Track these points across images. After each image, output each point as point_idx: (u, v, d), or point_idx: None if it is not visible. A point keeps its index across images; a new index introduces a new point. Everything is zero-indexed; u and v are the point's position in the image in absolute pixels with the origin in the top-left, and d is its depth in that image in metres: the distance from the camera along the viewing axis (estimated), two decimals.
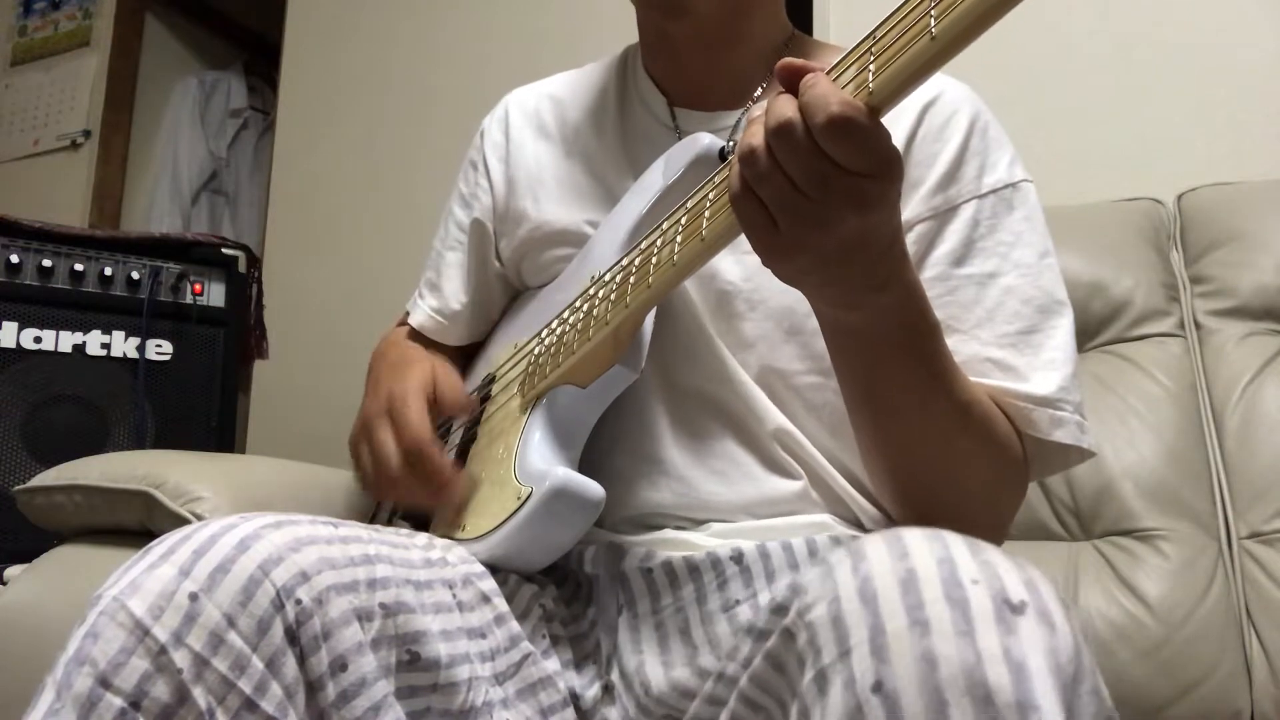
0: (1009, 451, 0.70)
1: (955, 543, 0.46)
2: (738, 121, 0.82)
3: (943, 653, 0.41)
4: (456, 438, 0.85)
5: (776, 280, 0.60)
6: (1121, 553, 1.09)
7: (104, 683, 0.49)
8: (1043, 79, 1.54)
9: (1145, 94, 1.49)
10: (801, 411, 0.76)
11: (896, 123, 0.76)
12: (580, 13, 1.99)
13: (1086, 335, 1.23)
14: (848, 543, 0.49)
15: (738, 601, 0.69)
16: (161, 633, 0.50)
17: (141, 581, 0.52)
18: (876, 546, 0.46)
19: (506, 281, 0.92)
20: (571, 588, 0.76)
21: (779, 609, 0.49)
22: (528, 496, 0.68)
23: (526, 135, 0.90)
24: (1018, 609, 0.43)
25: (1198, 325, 1.22)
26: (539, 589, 0.73)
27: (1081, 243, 1.26)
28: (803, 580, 0.48)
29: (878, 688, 0.42)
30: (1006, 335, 0.72)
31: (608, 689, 0.70)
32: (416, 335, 0.96)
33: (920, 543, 0.46)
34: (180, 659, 0.50)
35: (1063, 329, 0.73)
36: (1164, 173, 1.42)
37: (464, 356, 0.98)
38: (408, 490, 0.74)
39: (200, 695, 0.50)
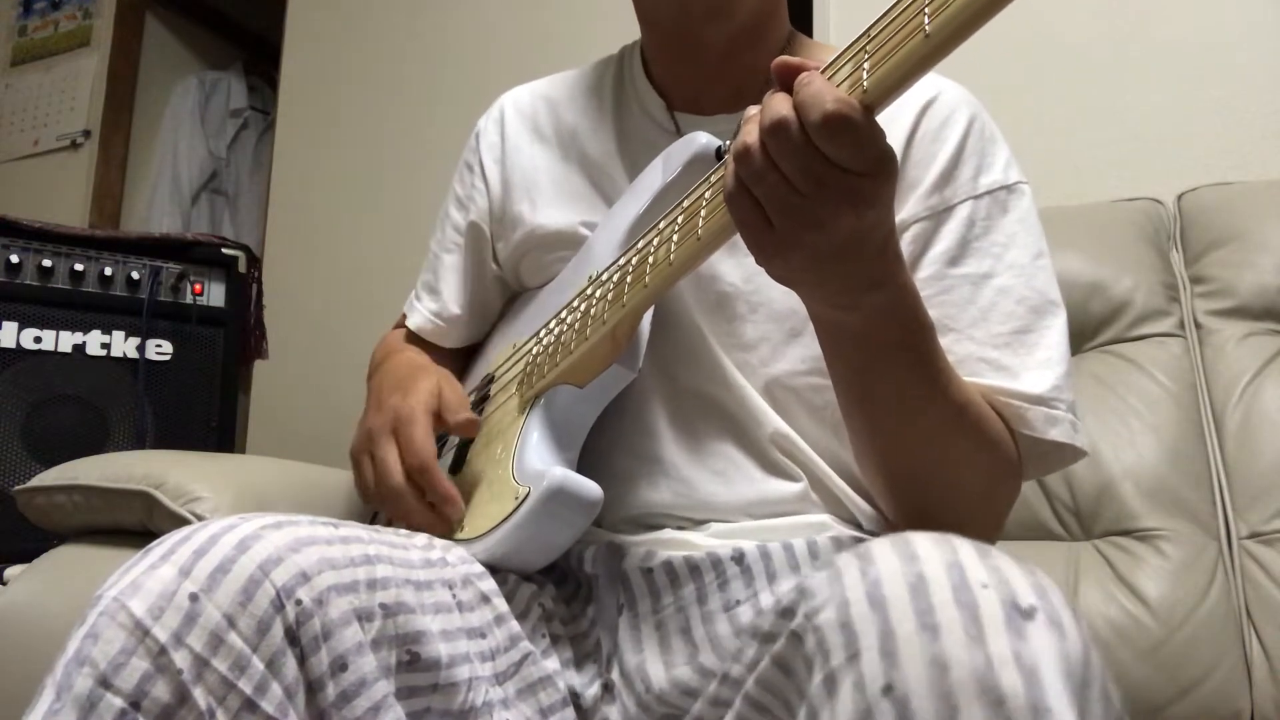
0: (1003, 450, 0.70)
1: (964, 547, 0.46)
2: (739, 123, 0.82)
3: (954, 657, 0.41)
4: (456, 439, 0.85)
5: (777, 282, 0.60)
6: (1121, 553, 1.09)
7: (104, 683, 0.49)
8: (1042, 79, 1.54)
9: (1145, 94, 1.49)
10: (802, 413, 0.76)
11: (894, 123, 0.76)
12: (580, 13, 1.99)
13: (1086, 335, 1.23)
14: (854, 547, 0.49)
15: (739, 601, 0.70)
16: (162, 633, 0.50)
17: (142, 582, 0.52)
18: (884, 551, 0.46)
19: (504, 283, 0.92)
20: (571, 587, 0.76)
21: (785, 612, 0.49)
22: (525, 496, 0.68)
23: (522, 137, 0.90)
24: (1027, 614, 0.43)
25: (1198, 325, 1.22)
26: (538, 588, 0.73)
27: (1081, 243, 1.26)
28: (809, 584, 0.48)
29: (888, 690, 0.42)
30: (1000, 335, 0.72)
31: (608, 687, 0.70)
32: (414, 337, 0.95)
33: (929, 547, 0.46)
34: (180, 659, 0.50)
35: (1056, 329, 0.74)
36: (1164, 173, 1.42)
37: (463, 356, 0.98)
38: (409, 508, 0.74)
39: (200, 696, 0.50)
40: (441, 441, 0.89)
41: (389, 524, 0.86)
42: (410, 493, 0.74)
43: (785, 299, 0.76)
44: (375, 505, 0.77)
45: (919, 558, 0.45)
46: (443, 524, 0.73)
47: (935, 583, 0.44)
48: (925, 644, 0.42)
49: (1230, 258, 1.22)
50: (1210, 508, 1.11)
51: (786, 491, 0.74)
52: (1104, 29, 1.53)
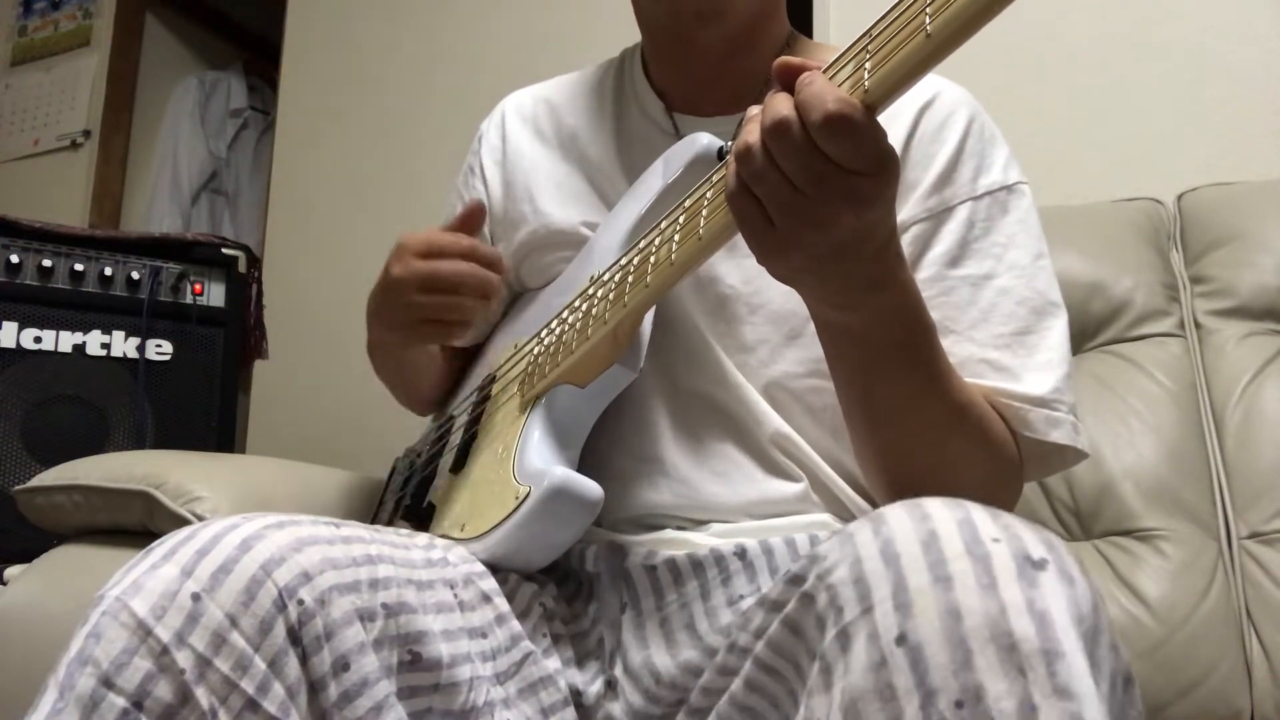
0: (1004, 452, 0.70)
1: (974, 508, 0.47)
2: (739, 124, 0.82)
3: (967, 605, 0.42)
4: (456, 438, 0.85)
5: (777, 284, 0.60)
6: (1121, 553, 1.09)
7: (106, 683, 0.49)
8: (1042, 79, 1.54)
9: (1145, 94, 1.49)
10: (802, 414, 0.76)
11: (893, 124, 0.76)
12: (579, 14, 1.99)
13: (1086, 335, 1.23)
14: (863, 515, 0.50)
15: (742, 596, 0.70)
16: (164, 633, 0.51)
17: (144, 582, 0.52)
18: (896, 512, 0.48)
19: (505, 284, 0.92)
20: (572, 586, 0.76)
21: (795, 579, 0.50)
22: (526, 496, 0.68)
23: (523, 139, 0.90)
24: (1039, 565, 0.44)
25: (1198, 325, 1.22)
26: (539, 588, 0.73)
27: (1081, 243, 1.26)
28: (820, 549, 0.49)
29: (901, 640, 0.42)
30: (1001, 336, 0.72)
31: (610, 685, 0.70)
32: None
33: (940, 507, 0.47)
34: (183, 659, 0.50)
35: (1057, 330, 0.74)
36: (1164, 173, 1.42)
37: (464, 357, 0.98)
38: (448, 276, 0.76)
39: (203, 695, 0.50)
40: (441, 443, 0.89)
41: (390, 524, 0.86)
42: (444, 263, 0.76)
43: (785, 301, 0.76)
44: (411, 331, 0.79)
45: (931, 516, 0.46)
46: (488, 286, 0.76)
47: (947, 538, 0.45)
48: (939, 594, 0.43)
49: (1230, 258, 1.22)
50: (1210, 508, 1.11)
51: (787, 492, 0.74)
52: (1104, 29, 1.53)
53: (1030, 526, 0.47)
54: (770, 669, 0.52)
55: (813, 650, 0.47)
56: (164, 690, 0.50)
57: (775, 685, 0.52)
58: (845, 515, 0.75)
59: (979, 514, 0.46)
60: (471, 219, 0.81)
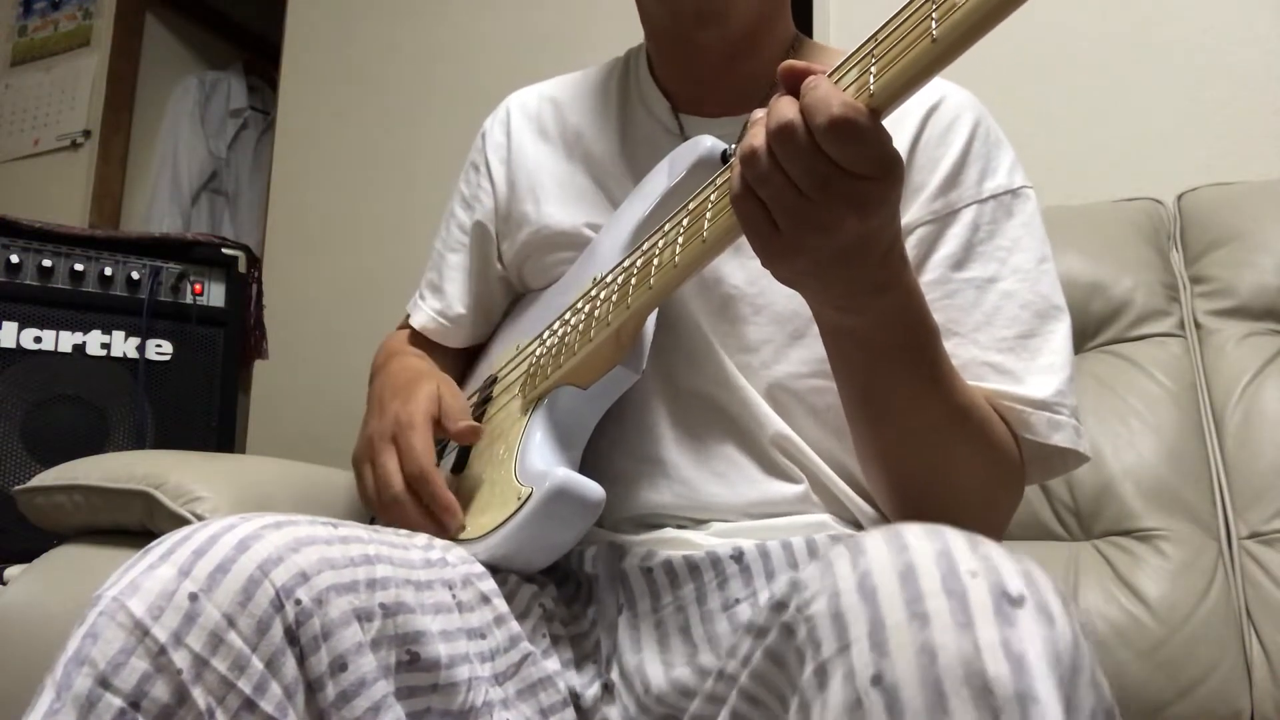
0: (1006, 455, 0.70)
1: (953, 537, 0.46)
2: (744, 126, 0.82)
3: (942, 644, 0.41)
4: None
5: (782, 285, 0.60)
6: (1121, 553, 1.09)
7: (103, 683, 0.49)
8: (1043, 79, 1.54)
9: (1145, 94, 1.49)
10: (804, 415, 0.76)
11: (899, 127, 0.76)
12: (580, 13, 1.99)
13: (1086, 335, 1.23)
14: (846, 539, 0.50)
15: (738, 600, 0.70)
16: (161, 633, 0.50)
17: (141, 582, 0.52)
18: (875, 541, 0.47)
19: (508, 284, 0.92)
20: (571, 587, 0.76)
21: (778, 606, 0.49)
22: (528, 497, 0.68)
23: (527, 137, 0.90)
24: (1016, 601, 0.43)
25: (1198, 325, 1.22)
26: (539, 589, 0.73)
27: (1081, 243, 1.26)
28: (802, 576, 0.48)
29: (877, 680, 0.42)
30: (1004, 339, 0.72)
31: (608, 688, 0.70)
32: (417, 337, 0.95)
33: (919, 537, 0.46)
34: (180, 659, 0.50)
35: (1060, 334, 0.74)
36: (1164, 173, 1.42)
37: (466, 358, 0.98)
38: (409, 516, 0.74)
39: (200, 695, 0.50)
40: (444, 443, 0.89)
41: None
42: (410, 501, 0.73)
43: (788, 301, 0.76)
44: (377, 513, 0.77)
45: (909, 547, 0.45)
46: (442, 532, 0.73)
47: (924, 571, 0.44)
48: (914, 633, 0.42)
49: (1230, 258, 1.22)
50: (1210, 508, 1.11)
51: (787, 493, 0.74)
52: (1105, 30, 1.53)
53: (1010, 558, 0.46)
54: (755, 700, 0.51)
55: (794, 683, 0.46)
56: (161, 690, 0.50)
57: (760, 716, 0.51)
58: (845, 516, 0.75)
59: (958, 544, 0.46)
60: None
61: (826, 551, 0.49)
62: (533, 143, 0.90)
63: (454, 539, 0.73)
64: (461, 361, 0.98)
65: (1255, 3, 1.46)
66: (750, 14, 0.81)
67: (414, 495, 0.74)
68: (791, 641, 0.47)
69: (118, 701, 0.49)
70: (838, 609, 0.44)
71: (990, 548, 0.46)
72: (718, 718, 0.55)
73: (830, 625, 0.44)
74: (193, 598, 0.52)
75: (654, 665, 0.69)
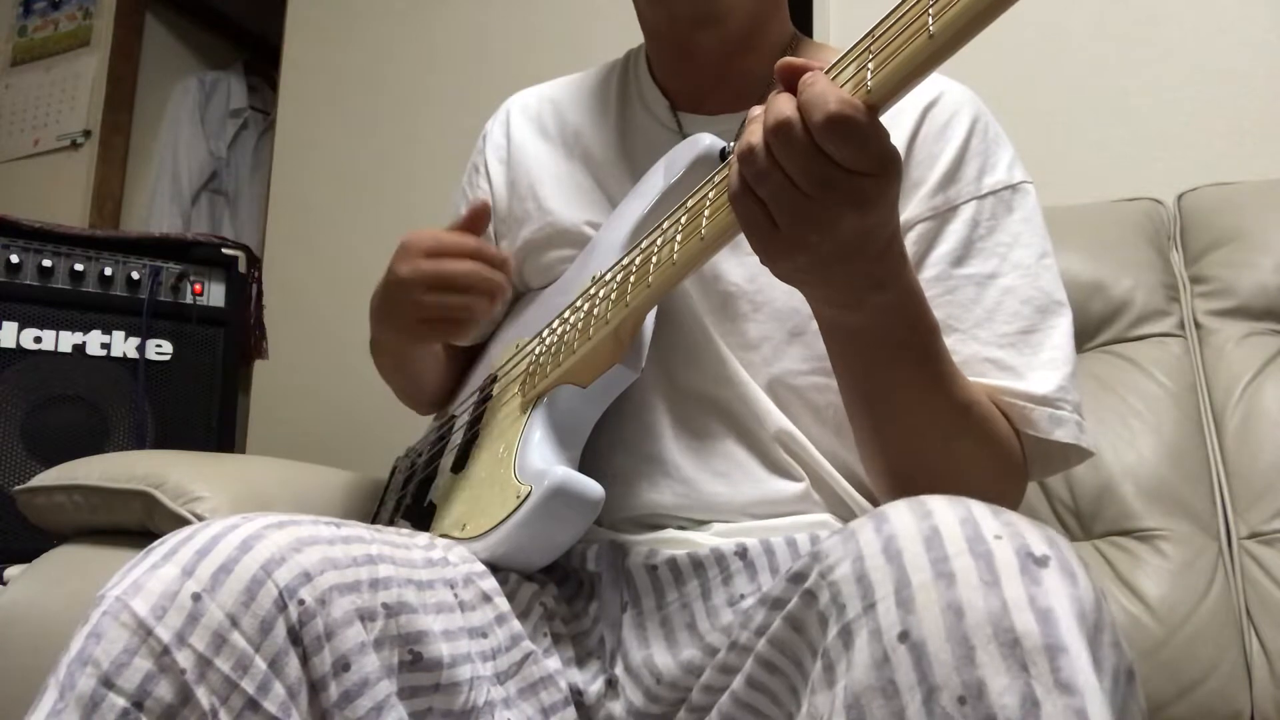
0: (1008, 450, 0.70)
1: (976, 505, 0.47)
2: (742, 123, 0.82)
3: (969, 601, 0.42)
4: (458, 438, 0.85)
5: (781, 282, 0.60)
6: (1121, 553, 1.09)
7: (107, 683, 0.49)
8: (1043, 79, 1.54)
9: (1145, 94, 1.49)
10: (804, 413, 0.76)
11: (897, 123, 0.76)
12: (579, 13, 1.99)
13: (1086, 335, 1.23)
14: (865, 514, 0.50)
15: (743, 596, 0.70)
16: (164, 633, 0.50)
17: (144, 582, 0.52)
18: (899, 510, 0.48)
19: (509, 283, 0.92)
20: (572, 586, 0.76)
21: (797, 576, 0.50)
22: (527, 495, 0.68)
23: (528, 137, 0.91)
24: (1041, 561, 0.44)
25: (1198, 325, 1.22)
26: (539, 587, 0.73)
27: (1081, 243, 1.26)
28: (823, 547, 0.49)
29: (904, 637, 0.42)
30: (1005, 335, 0.72)
31: (611, 684, 0.70)
32: None
33: (942, 505, 0.47)
34: (183, 659, 0.50)
35: (1061, 329, 0.74)
36: (1164, 173, 1.42)
37: (466, 357, 0.98)
38: (484, 284, 0.77)
39: (203, 695, 0.50)
40: (443, 442, 0.89)
41: (391, 521, 0.86)
42: (479, 269, 0.77)
43: (788, 298, 0.76)
44: (416, 329, 0.80)
45: (933, 514, 0.46)
46: (494, 291, 0.77)
47: (949, 535, 0.45)
48: (941, 591, 0.43)
49: (1230, 258, 1.22)
50: (1210, 508, 1.11)
51: (789, 491, 0.74)
52: (1105, 29, 1.53)
53: (1032, 523, 0.47)
54: (772, 666, 0.52)
55: (815, 647, 0.47)
56: (164, 690, 0.50)
57: (777, 682, 0.52)
58: (846, 515, 0.75)
59: (981, 511, 0.46)
60: (476, 219, 0.82)
61: (846, 527, 0.49)
62: (533, 142, 0.90)
63: (452, 534, 0.73)
64: (462, 361, 0.98)
65: (1255, 3, 1.46)
66: (746, 15, 0.81)
67: (478, 265, 0.77)
68: (813, 606, 0.48)
69: (121, 701, 0.49)
70: (862, 571, 0.45)
71: (1012, 515, 0.47)
72: (731, 685, 0.55)
73: (855, 587, 0.45)
74: (196, 598, 0.52)
75: (663, 656, 0.69)
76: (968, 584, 0.43)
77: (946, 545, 0.44)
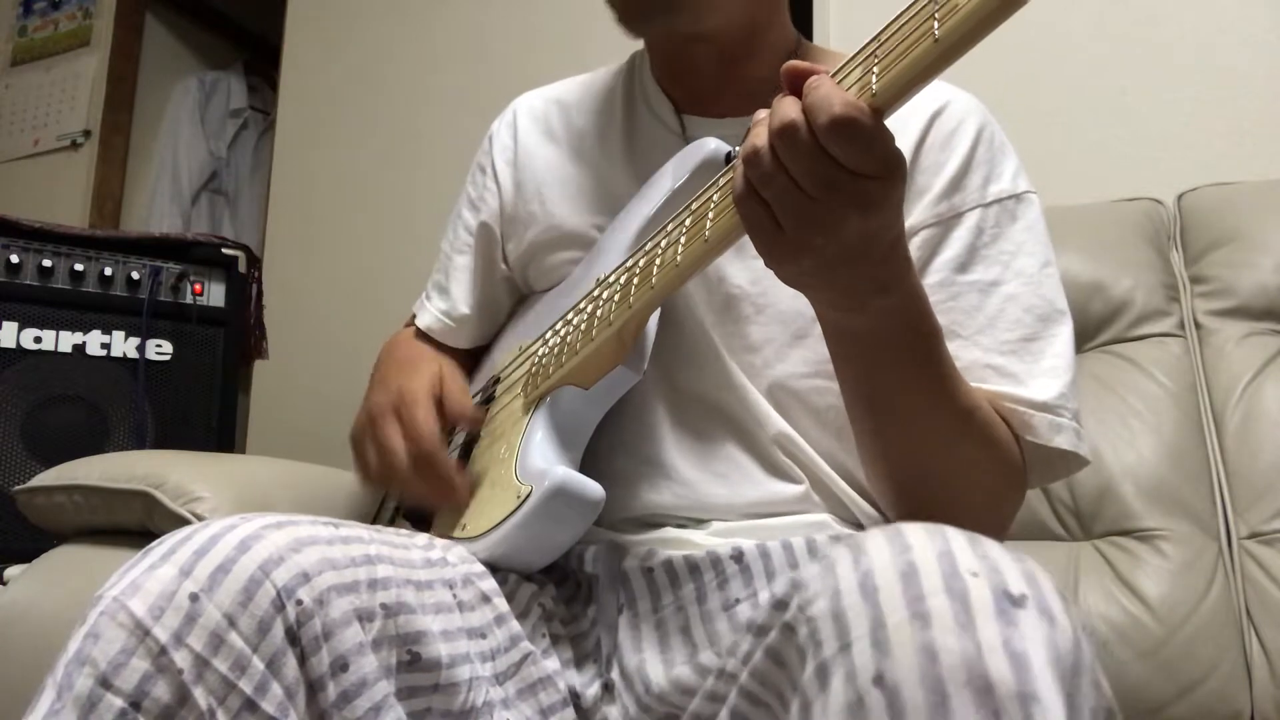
0: (1008, 456, 0.70)
1: (955, 536, 0.46)
2: (748, 127, 0.82)
3: (943, 644, 0.41)
4: (460, 437, 0.85)
5: (784, 284, 0.60)
6: (1121, 553, 1.09)
7: (104, 683, 0.49)
8: (1043, 79, 1.55)
9: (1145, 94, 1.49)
10: (805, 415, 0.76)
11: (904, 129, 0.77)
12: (580, 13, 1.99)
13: (1086, 335, 1.23)
14: (846, 539, 0.50)
15: (738, 600, 0.70)
16: (162, 633, 0.50)
17: (142, 582, 0.52)
18: (877, 541, 0.47)
19: (513, 285, 0.93)
20: (571, 587, 0.76)
21: (779, 604, 0.49)
22: (527, 495, 0.68)
23: (534, 139, 0.91)
24: (1018, 601, 0.43)
25: (1198, 325, 1.22)
26: (539, 588, 0.73)
27: (1081, 243, 1.26)
28: (803, 576, 0.48)
29: (879, 680, 0.42)
30: (1007, 342, 0.73)
31: (608, 687, 0.70)
32: (424, 337, 0.96)
33: (920, 536, 0.46)
34: (181, 659, 0.50)
35: (1062, 337, 0.74)
36: (1164, 173, 1.42)
37: (470, 358, 0.98)
38: (413, 490, 0.74)
39: (201, 696, 0.50)
40: (447, 439, 0.89)
41: (390, 524, 0.86)
42: (414, 478, 0.74)
43: (791, 301, 0.76)
44: (377, 487, 0.77)
45: (910, 547, 0.45)
46: (445, 503, 0.74)
47: (926, 571, 0.44)
48: (915, 632, 0.42)
49: (1230, 258, 1.22)
50: (1210, 508, 1.11)
51: (788, 493, 0.74)
52: (1104, 29, 1.53)
53: (1011, 557, 0.46)
54: (755, 699, 0.51)
55: (794, 682, 0.46)
56: (162, 690, 0.50)
57: (760, 714, 0.51)
58: (846, 516, 0.75)
59: (959, 543, 0.46)
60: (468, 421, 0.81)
61: (827, 551, 0.49)
62: (539, 144, 0.90)
63: (455, 531, 0.73)
64: (466, 362, 0.98)
65: (1255, 3, 1.46)
66: (741, 26, 0.81)
67: (418, 471, 0.74)
68: (793, 641, 0.47)
69: (119, 702, 0.49)
70: (839, 608, 0.44)
71: (991, 547, 0.46)
72: (718, 716, 0.55)
73: (831, 625, 0.44)
74: (193, 598, 0.52)
75: (654, 664, 0.69)
76: (942, 626, 0.42)
77: (923, 582, 0.43)
